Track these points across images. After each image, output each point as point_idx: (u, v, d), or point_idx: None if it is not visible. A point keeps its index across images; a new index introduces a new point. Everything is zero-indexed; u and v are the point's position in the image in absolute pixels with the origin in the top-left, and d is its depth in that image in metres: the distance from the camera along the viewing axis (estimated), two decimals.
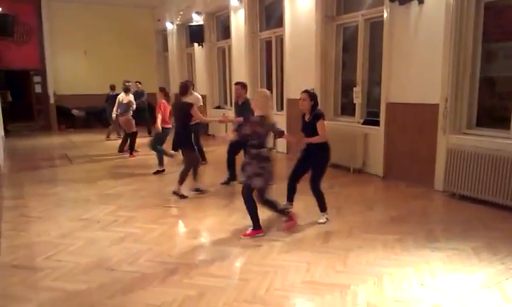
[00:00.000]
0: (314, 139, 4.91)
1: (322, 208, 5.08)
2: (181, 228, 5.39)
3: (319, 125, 4.85)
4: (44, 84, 15.41)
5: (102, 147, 11.49)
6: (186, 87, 6.42)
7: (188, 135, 6.32)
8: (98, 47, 15.96)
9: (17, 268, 3.97)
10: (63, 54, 15.58)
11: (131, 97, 10.39)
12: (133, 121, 10.16)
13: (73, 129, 15.48)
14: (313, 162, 5.02)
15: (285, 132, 5.14)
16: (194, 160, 6.40)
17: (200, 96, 8.21)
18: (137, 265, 3.97)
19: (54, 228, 5.01)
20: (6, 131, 13.17)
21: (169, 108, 7.93)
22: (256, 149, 4.50)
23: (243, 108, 6.49)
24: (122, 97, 10.28)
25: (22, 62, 14.86)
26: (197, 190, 6.46)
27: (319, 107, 5.11)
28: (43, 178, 7.94)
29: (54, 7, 15.18)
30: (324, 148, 4.97)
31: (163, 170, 7.99)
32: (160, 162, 8.01)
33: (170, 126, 7.94)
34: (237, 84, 6.96)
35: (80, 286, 3.57)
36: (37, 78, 15.47)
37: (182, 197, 6.19)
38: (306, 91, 5.02)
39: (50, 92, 15.39)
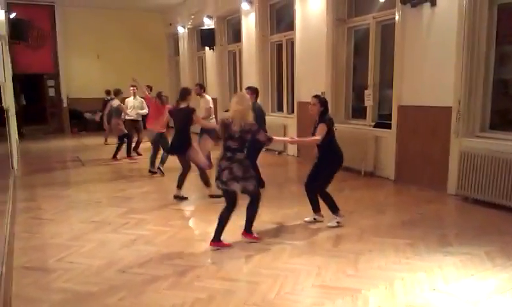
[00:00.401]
0: (304, 140, 4.90)
1: (332, 210, 5.03)
2: (191, 230, 5.41)
3: (318, 127, 4.85)
4: (57, 87, 15.65)
5: (113, 149, 11.55)
6: (185, 92, 6.40)
7: (188, 140, 6.27)
8: (111, 51, 16.14)
9: (30, 269, 4.02)
10: (76, 58, 15.79)
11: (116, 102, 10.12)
12: (122, 126, 9.98)
13: (85, 132, 15.66)
14: (323, 165, 5.00)
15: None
16: (189, 167, 6.38)
17: (210, 99, 8.19)
18: (148, 267, 3.99)
19: (66, 230, 5.07)
20: (20, 134, 13.35)
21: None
22: (241, 153, 4.39)
23: (256, 110, 6.45)
24: (114, 102, 10.14)
25: (36, 67, 15.09)
26: (178, 197, 6.34)
27: (330, 111, 5.11)
28: (55, 180, 8.04)
29: (67, 12, 15.40)
30: (334, 152, 4.96)
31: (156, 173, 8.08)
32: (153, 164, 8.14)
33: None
34: (246, 89, 6.92)
35: (92, 288, 3.60)
36: (50, 82, 15.70)
37: (183, 198, 6.28)
38: (316, 96, 5.02)
39: (64, 95, 15.61)
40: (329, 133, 4.90)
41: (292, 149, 9.92)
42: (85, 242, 4.68)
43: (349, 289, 3.47)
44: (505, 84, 6.13)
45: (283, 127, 10.07)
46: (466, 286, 3.50)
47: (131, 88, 10.03)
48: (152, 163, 8.22)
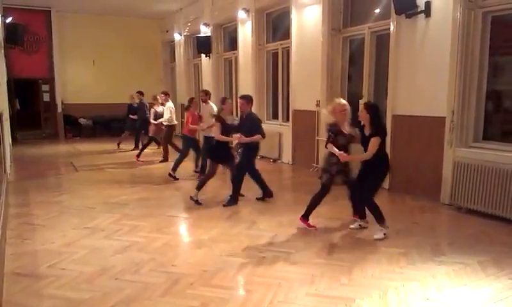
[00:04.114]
0: (354, 158, 4.98)
1: (378, 219, 4.88)
2: (185, 237, 5.39)
3: (371, 141, 4.73)
4: (52, 92, 15.58)
5: (108, 156, 11.55)
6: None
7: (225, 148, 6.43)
8: (106, 56, 16.14)
9: (21, 275, 3.97)
10: (71, 64, 15.77)
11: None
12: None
13: (79, 138, 15.59)
14: (369, 173, 4.91)
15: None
16: (214, 173, 6.50)
17: (214, 106, 8.15)
18: (141, 275, 3.96)
19: (58, 236, 5.02)
20: (14, 139, 13.29)
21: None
22: None
23: (246, 121, 6.43)
24: (159, 107, 10.46)
25: (31, 71, 15.04)
26: (193, 199, 6.41)
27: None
28: (48, 186, 7.99)
29: (63, 18, 15.39)
30: (381, 161, 4.86)
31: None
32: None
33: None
34: (240, 98, 6.80)
35: (84, 295, 3.57)
36: (45, 87, 15.64)
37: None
38: (364, 103, 5.03)
39: (58, 101, 15.54)
40: (382, 143, 4.80)
41: (286, 157, 9.93)
42: (77, 248, 4.64)
43: (343, 298, 3.46)
44: (498, 94, 6.19)
45: (278, 135, 10.10)
46: (459, 296, 3.50)
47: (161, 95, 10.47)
48: (196, 165, 8.65)
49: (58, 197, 7.01)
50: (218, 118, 6.36)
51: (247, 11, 11.09)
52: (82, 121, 15.94)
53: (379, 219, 4.88)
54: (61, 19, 15.35)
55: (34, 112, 16.54)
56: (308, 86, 9.07)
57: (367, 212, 5.09)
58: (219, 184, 7.48)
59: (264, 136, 6.30)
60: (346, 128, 4.99)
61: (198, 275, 3.95)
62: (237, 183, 6.36)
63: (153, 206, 6.37)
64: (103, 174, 9.11)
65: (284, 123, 10.38)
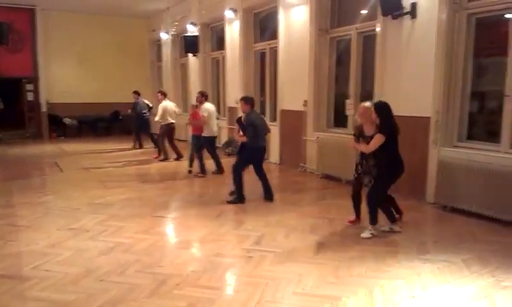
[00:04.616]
0: (360, 146, 4.99)
1: (372, 220, 4.92)
2: (171, 238, 5.36)
3: (374, 137, 4.81)
4: (36, 92, 15.32)
5: (94, 156, 11.43)
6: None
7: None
8: (92, 55, 15.94)
9: (4, 277, 3.90)
10: (56, 62, 15.53)
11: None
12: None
13: (64, 138, 15.39)
14: (377, 174, 4.93)
15: None
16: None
17: (208, 108, 8.39)
18: (127, 276, 3.92)
19: (42, 237, 4.95)
20: None
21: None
22: None
23: (246, 120, 6.51)
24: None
25: (15, 70, 14.77)
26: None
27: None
28: (33, 187, 7.87)
29: (48, 16, 15.15)
30: (390, 162, 4.87)
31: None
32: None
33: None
34: (240, 99, 6.94)
35: (69, 297, 3.52)
36: (29, 87, 15.36)
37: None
38: (374, 103, 5.02)
39: (42, 100, 15.30)
40: (390, 143, 4.81)
41: (274, 157, 9.94)
42: (62, 249, 4.58)
43: (330, 296, 3.48)
44: (482, 95, 6.28)
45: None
46: (443, 293, 3.55)
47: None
48: (217, 164, 8.71)
49: (43, 198, 6.91)
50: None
51: (234, 10, 11.07)
52: (67, 120, 15.72)
53: (373, 220, 4.92)
54: (46, 17, 15.11)
55: (18, 112, 16.25)
56: (296, 86, 9.09)
57: (387, 214, 5.11)
58: (207, 184, 7.47)
59: (252, 140, 6.34)
60: (368, 130, 5.00)
61: (184, 275, 3.93)
62: (236, 183, 6.38)
63: (139, 207, 6.31)
64: (88, 174, 9.01)
65: (271, 123, 10.37)
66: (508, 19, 5.55)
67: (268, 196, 6.55)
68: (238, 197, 6.36)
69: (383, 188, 4.99)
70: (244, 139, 6.38)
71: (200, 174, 8.35)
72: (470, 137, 6.16)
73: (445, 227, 5.32)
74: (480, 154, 5.65)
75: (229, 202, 6.35)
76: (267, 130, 6.78)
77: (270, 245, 4.70)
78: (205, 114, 8.23)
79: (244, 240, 4.84)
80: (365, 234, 4.88)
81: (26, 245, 4.71)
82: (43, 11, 15.01)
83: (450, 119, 6.17)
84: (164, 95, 10.50)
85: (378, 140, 4.77)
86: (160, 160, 10.28)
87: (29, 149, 12.82)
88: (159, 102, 10.38)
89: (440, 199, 6.01)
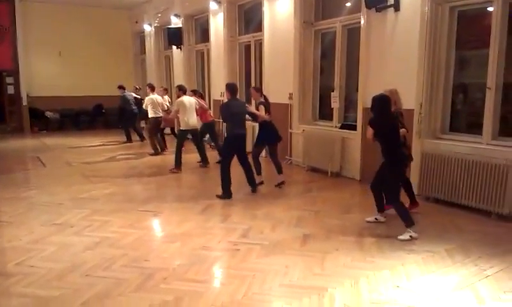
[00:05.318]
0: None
1: (405, 222, 4.66)
2: (158, 232, 5.33)
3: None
4: (17, 85, 14.98)
5: (77, 150, 11.27)
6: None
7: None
8: (74, 48, 15.66)
9: None
10: (36, 55, 15.22)
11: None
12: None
13: (46, 131, 15.12)
14: (386, 168, 4.88)
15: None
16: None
17: (185, 101, 8.45)
18: (113, 271, 3.90)
19: (25, 233, 4.87)
20: None
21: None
22: None
23: (221, 107, 6.87)
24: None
25: None
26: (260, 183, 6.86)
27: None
28: (15, 182, 7.71)
29: (28, 8, 14.82)
30: (394, 161, 4.80)
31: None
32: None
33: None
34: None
35: (54, 293, 3.48)
36: (9, 80, 15.02)
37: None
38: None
39: (23, 93, 14.98)
40: (385, 139, 4.77)
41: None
42: (46, 245, 4.52)
43: (316, 287, 3.52)
44: (464, 87, 6.38)
45: (252, 128, 10.08)
46: (428, 283, 3.62)
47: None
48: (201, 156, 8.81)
49: (25, 193, 6.78)
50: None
51: (218, 2, 10.97)
52: (48, 114, 15.45)
53: (406, 222, 4.67)
54: (25, 9, 14.77)
55: None
56: (281, 79, 9.08)
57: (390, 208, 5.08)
58: (193, 178, 7.44)
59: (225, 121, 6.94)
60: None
61: (171, 269, 3.92)
62: (222, 177, 6.34)
63: (124, 201, 6.25)
64: (72, 169, 8.87)
65: None
66: (490, 12, 5.63)
67: (252, 186, 6.61)
68: (225, 192, 6.31)
69: (393, 188, 4.81)
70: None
71: (174, 170, 8.20)
72: (453, 129, 6.26)
73: (429, 218, 5.40)
74: (462, 146, 5.76)
75: (218, 196, 6.29)
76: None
77: (257, 237, 4.71)
78: (176, 108, 8.49)
79: (230, 233, 4.84)
80: (403, 236, 4.61)
81: (9, 241, 4.64)
82: (23, 3, 14.67)
83: (433, 112, 6.26)
84: (153, 89, 10.58)
85: (367, 130, 4.90)
86: (151, 155, 10.16)
87: (10, 144, 12.56)
88: (147, 95, 10.48)
89: (424, 190, 6.10)
